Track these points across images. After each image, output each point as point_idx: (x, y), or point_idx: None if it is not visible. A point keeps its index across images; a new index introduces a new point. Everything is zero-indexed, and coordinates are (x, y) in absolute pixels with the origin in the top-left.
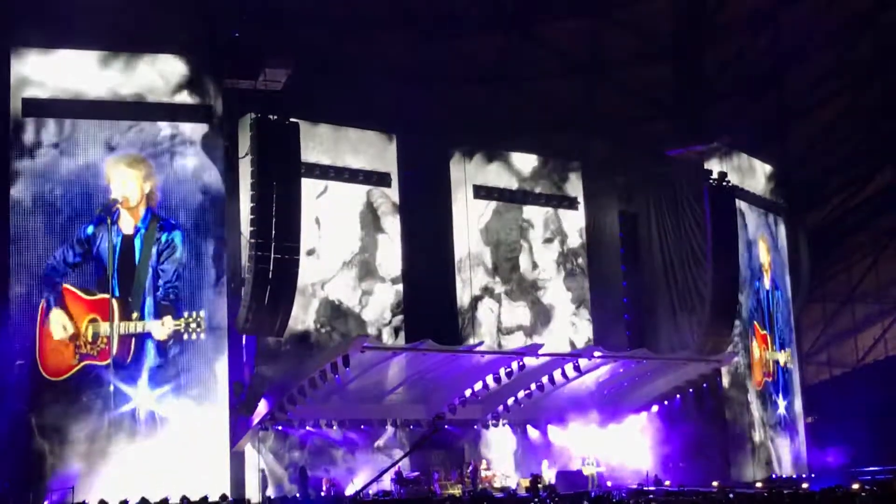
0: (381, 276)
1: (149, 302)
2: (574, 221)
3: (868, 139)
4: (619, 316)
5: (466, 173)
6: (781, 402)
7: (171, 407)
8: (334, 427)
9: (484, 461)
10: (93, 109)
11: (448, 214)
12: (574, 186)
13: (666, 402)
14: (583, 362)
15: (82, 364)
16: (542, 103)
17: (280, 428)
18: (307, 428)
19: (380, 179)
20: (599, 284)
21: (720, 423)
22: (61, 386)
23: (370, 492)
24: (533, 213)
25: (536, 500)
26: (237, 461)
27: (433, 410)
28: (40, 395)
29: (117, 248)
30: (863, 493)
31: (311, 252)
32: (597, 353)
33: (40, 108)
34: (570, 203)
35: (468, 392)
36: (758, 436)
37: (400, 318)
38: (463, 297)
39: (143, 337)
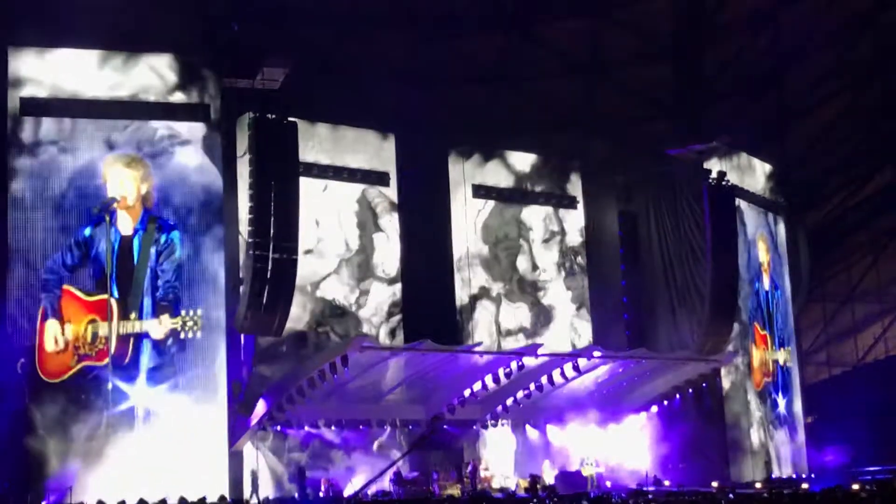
0: (380, 276)
1: (147, 302)
2: (574, 221)
3: (868, 139)
4: (619, 316)
5: (465, 173)
6: (781, 402)
7: (170, 407)
8: (333, 427)
9: (483, 461)
10: (91, 109)
11: (447, 214)
12: (573, 186)
13: (665, 403)
14: (582, 362)
15: (81, 365)
16: (541, 103)
17: (279, 428)
18: (306, 428)
19: (378, 179)
20: (599, 284)
21: (719, 424)
22: (60, 386)
23: (369, 492)
24: (532, 212)
25: (535, 500)
26: (236, 461)
27: (432, 411)
28: (39, 395)
29: (115, 249)
30: (863, 494)
31: (309, 251)
32: (596, 353)
33: (38, 108)
34: (570, 202)
35: (467, 392)
36: (757, 436)
37: (398, 318)
38: (461, 297)
39: (141, 337)
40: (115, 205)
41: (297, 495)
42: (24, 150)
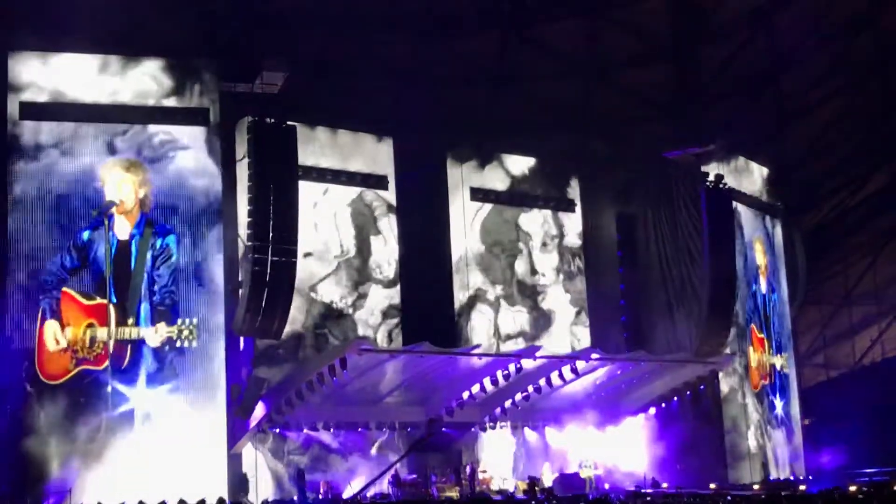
0: (378, 279)
1: (145, 307)
2: (572, 223)
3: (865, 140)
4: (617, 318)
5: (463, 175)
6: (779, 404)
7: (169, 410)
8: (332, 430)
9: (481, 464)
10: (90, 113)
11: (445, 217)
12: (571, 189)
13: (663, 405)
14: (580, 364)
15: (79, 369)
16: (539, 104)
17: (277, 431)
18: (305, 431)
19: (377, 182)
20: (597, 286)
21: (717, 426)
22: (59, 389)
23: (368, 494)
24: (530, 214)
25: (534, 502)
26: (235, 464)
27: (431, 413)
28: (38, 398)
29: (113, 254)
30: (860, 496)
31: (308, 254)
32: (594, 356)
33: (37, 112)
34: (568, 205)
35: (466, 395)
36: (755, 438)
37: (396, 320)
38: (460, 300)
39: (139, 343)
40: (113, 209)
41: (296, 497)
42: (24, 153)
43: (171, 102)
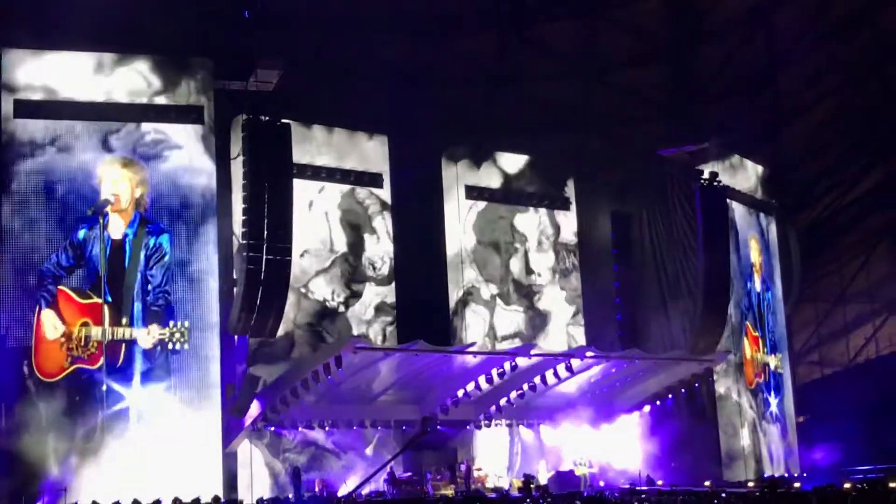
0: (372, 277)
1: (138, 307)
2: (567, 222)
3: (860, 138)
4: (612, 316)
5: (459, 174)
6: (773, 402)
7: (163, 408)
8: (327, 428)
9: (476, 461)
10: (85, 111)
11: (440, 215)
12: (567, 187)
13: (658, 402)
14: (575, 363)
15: (74, 367)
16: (538, 104)
17: (272, 429)
18: (300, 429)
19: (372, 180)
20: (592, 284)
21: (712, 423)
22: (54, 387)
23: (363, 492)
24: (526, 213)
25: (529, 500)
26: (230, 462)
27: (426, 411)
28: (33, 395)
29: (107, 253)
30: (854, 493)
31: (303, 253)
32: (589, 354)
33: (32, 110)
34: (563, 204)
35: (461, 393)
36: (749, 435)
37: (391, 318)
38: (454, 299)
39: (132, 343)
40: (108, 207)
41: (291, 495)
42: (18, 152)
43: (165, 100)
